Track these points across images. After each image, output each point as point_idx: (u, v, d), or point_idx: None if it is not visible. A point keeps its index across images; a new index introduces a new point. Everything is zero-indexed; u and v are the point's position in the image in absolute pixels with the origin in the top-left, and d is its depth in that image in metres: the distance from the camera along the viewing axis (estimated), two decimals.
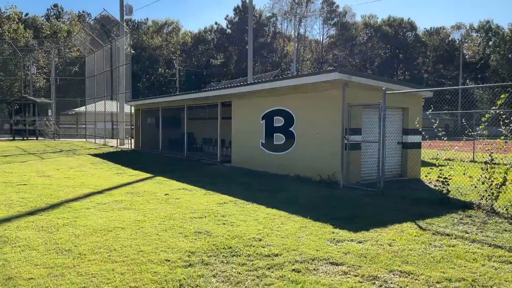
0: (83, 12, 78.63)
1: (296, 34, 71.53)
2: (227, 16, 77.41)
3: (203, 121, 22.76)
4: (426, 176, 10.48)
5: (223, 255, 5.09)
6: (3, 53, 52.52)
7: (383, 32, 75.61)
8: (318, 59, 78.59)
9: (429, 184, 11.01)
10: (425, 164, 12.32)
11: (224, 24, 76.89)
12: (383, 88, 9.81)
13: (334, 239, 5.85)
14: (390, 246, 5.57)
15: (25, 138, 35.79)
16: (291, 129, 12.88)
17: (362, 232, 6.22)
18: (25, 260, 4.81)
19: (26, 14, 69.14)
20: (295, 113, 12.80)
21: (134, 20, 77.75)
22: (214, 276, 4.44)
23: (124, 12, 32.17)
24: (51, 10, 76.34)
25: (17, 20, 62.74)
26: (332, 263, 4.89)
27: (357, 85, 11.18)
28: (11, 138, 36.23)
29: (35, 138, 36.14)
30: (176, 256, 5.01)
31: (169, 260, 4.88)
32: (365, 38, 78.80)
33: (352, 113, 10.91)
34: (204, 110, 21.69)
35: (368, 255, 5.16)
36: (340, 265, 4.85)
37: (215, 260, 4.93)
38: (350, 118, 10.89)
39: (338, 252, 5.29)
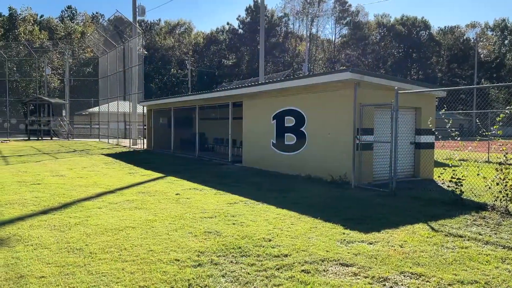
0: (96, 13, 79.53)
1: (308, 34, 71.30)
2: (239, 16, 77.73)
3: (214, 121, 22.83)
4: (439, 176, 10.34)
5: (233, 255, 5.09)
6: (19, 55, 53.37)
7: (396, 31, 74.94)
8: (330, 58, 78.25)
9: (442, 185, 10.87)
10: (438, 164, 12.16)
11: (236, 24, 77.13)
12: (396, 87, 9.72)
13: (344, 240, 5.80)
14: (401, 247, 5.50)
15: (40, 138, 36.34)
16: (302, 129, 12.84)
17: (373, 233, 6.16)
18: (37, 259, 4.87)
19: (41, 16, 70.20)
20: (306, 113, 12.74)
21: (147, 21, 78.38)
22: (223, 276, 4.44)
23: (137, 13, 32.43)
24: (65, 12, 77.36)
25: (33, 22, 63.74)
26: (342, 264, 4.85)
27: (369, 85, 11.09)
28: (27, 138, 36.83)
29: (49, 138, 36.66)
30: (185, 256, 5.03)
31: (178, 260, 4.89)
32: (378, 38, 78.21)
33: (364, 113, 10.82)
34: (215, 110, 21.76)
35: (379, 256, 5.11)
36: (350, 266, 4.80)
37: (225, 260, 4.93)
38: (362, 118, 10.80)
39: (348, 253, 5.24)
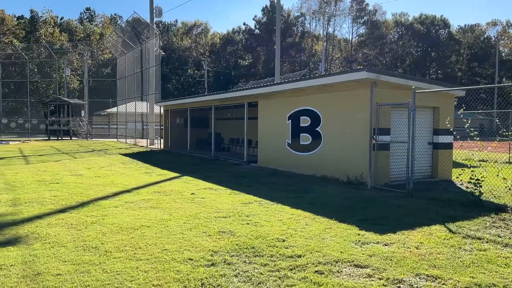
0: (115, 15, 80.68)
1: (324, 33, 70.91)
2: (255, 16, 77.75)
3: (230, 121, 22.89)
4: (457, 177, 10.17)
5: (246, 255, 5.09)
6: (39, 56, 54.52)
7: (414, 30, 73.89)
8: (347, 58, 77.66)
9: (460, 186, 10.67)
10: (457, 165, 11.93)
11: (252, 24, 77.25)
12: (413, 87, 9.57)
13: (359, 241, 5.74)
14: (417, 249, 5.41)
15: (59, 138, 37.03)
16: (317, 129, 12.76)
17: (388, 234, 6.08)
18: (53, 257, 4.95)
19: (61, 18, 71.59)
20: (322, 113, 12.67)
21: (164, 22, 79.10)
22: (236, 276, 4.44)
23: (154, 14, 32.75)
24: (84, 14, 78.66)
25: (53, 24, 65.04)
26: (356, 266, 4.80)
27: (385, 84, 10.96)
28: (47, 138, 37.59)
29: (69, 138, 37.33)
30: (199, 255, 5.04)
31: (192, 259, 4.91)
32: (395, 37, 77.27)
33: (380, 112, 10.69)
34: (231, 110, 21.82)
35: (394, 258, 5.04)
36: (364, 267, 4.75)
37: (238, 260, 4.93)
38: (379, 118, 10.67)
39: (363, 254, 5.19)
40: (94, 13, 79.40)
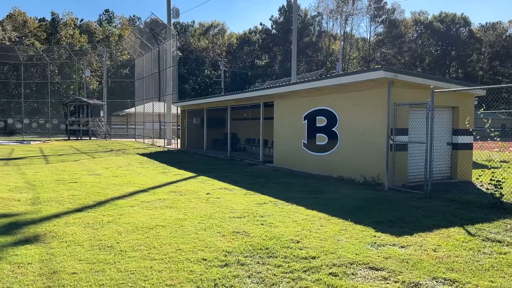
0: (133, 16, 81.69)
1: (342, 33, 70.37)
2: (272, 16, 77.73)
3: (246, 121, 22.90)
4: (477, 178, 9.94)
5: (260, 256, 5.06)
6: (60, 58, 55.55)
7: (434, 28, 72.68)
8: (365, 57, 76.91)
9: (480, 187, 10.43)
10: (477, 166, 11.66)
11: (269, 24, 77.18)
12: (431, 86, 9.40)
13: (375, 243, 5.66)
14: (434, 251, 5.30)
15: (79, 138, 37.67)
16: (334, 129, 12.65)
17: (405, 236, 5.97)
18: (70, 255, 5.02)
19: (81, 20, 72.84)
20: (338, 112, 12.55)
21: (182, 23, 79.73)
22: (249, 277, 4.42)
23: (171, 15, 33.00)
24: (103, 15, 79.88)
25: (73, 26, 66.22)
26: (371, 268, 4.72)
27: (403, 84, 10.79)
28: (67, 138, 38.28)
29: (88, 138, 37.93)
30: (213, 256, 5.04)
31: (205, 259, 4.91)
32: (414, 35, 76.15)
33: (398, 112, 10.53)
34: (247, 110, 21.82)
35: (411, 261, 4.94)
36: (380, 270, 4.67)
37: (251, 260, 4.91)
38: (396, 118, 10.51)
39: (378, 256, 5.11)
40: (113, 15, 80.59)
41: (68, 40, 61.13)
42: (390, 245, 5.55)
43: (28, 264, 4.70)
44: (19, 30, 60.62)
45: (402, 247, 5.48)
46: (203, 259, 4.93)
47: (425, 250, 5.37)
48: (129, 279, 4.30)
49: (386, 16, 76.51)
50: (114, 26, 76.15)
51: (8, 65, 52.68)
